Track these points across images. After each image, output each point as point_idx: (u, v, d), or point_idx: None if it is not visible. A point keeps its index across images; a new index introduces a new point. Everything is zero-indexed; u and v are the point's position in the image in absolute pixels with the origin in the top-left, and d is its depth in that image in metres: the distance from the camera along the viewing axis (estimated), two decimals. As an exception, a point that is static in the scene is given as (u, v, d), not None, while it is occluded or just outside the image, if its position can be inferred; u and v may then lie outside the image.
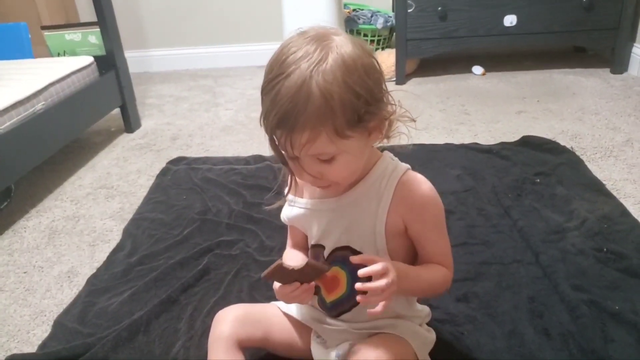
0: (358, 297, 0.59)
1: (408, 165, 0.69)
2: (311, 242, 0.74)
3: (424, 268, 0.69)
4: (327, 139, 0.57)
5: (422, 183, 0.68)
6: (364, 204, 0.67)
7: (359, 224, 0.68)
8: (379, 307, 0.59)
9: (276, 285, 0.67)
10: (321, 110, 0.55)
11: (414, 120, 0.66)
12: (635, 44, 2.09)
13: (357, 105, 0.57)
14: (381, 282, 0.58)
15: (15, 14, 2.32)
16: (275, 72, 0.57)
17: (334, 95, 0.55)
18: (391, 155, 0.70)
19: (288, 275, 0.64)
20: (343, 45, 0.58)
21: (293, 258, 0.75)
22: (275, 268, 0.60)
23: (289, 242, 0.80)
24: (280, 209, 0.76)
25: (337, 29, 0.62)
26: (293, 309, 0.79)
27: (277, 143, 0.59)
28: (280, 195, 0.74)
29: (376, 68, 0.61)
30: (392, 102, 0.63)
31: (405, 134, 0.66)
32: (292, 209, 0.73)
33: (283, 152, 0.60)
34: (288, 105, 0.55)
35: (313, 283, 0.67)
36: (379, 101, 0.60)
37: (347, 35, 0.61)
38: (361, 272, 0.59)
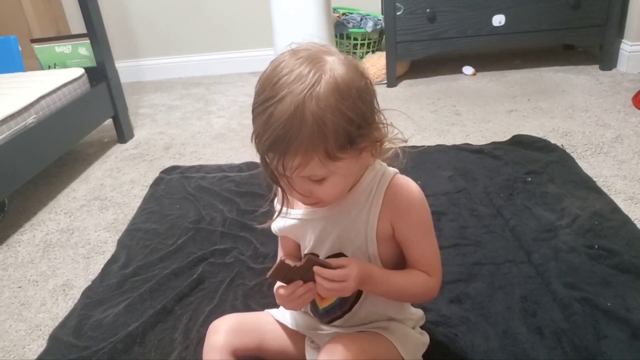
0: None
1: (396, 170, 0.70)
2: (304, 251, 0.74)
3: (402, 273, 0.69)
4: (318, 163, 0.57)
5: (409, 186, 0.68)
6: (355, 211, 0.67)
7: (351, 231, 0.68)
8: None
9: (277, 290, 0.67)
10: (314, 137, 0.55)
11: (405, 141, 0.66)
12: (623, 40, 2.11)
13: (350, 130, 0.57)
14: (332, 284, 0.62)
15: (5, 27, 2.33)
16: (268, 94, 0.56)
17: (327, 122, 0.55)
18: (379, 160, 0.70)
19: (290, 274, 0.64)
20: (336, 67, 0.57)
21: None
22: (278, 266, 0.62)
23: (280, 252, 0.80)
24: (269, 231, 0.75)
25: (329, 48, 0.61)
26: (286, 318, 0.79)
27: (268, 162, 0.60)
28: (273, 207, 0.74)
29: (369, 90, 0.60)
30: (384, 122, 0.63)
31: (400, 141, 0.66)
32: (284, 220, 0.73)
33: (274, 171, 0.60)
34: (281, 131, 0.55)
35: (312, 284, 0.66)
36: (371, 123, 0.60)
37: (340, 54, 0.60)
38: (321, 272, 0.62)
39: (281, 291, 0.66)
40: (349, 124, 0.57)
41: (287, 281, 0.65)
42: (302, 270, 0.63)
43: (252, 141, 0.59)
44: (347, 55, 0.61)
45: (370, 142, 0.61)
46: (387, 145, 0.65)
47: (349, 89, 0.57)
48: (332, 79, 0.56)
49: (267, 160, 0.59)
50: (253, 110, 0.59)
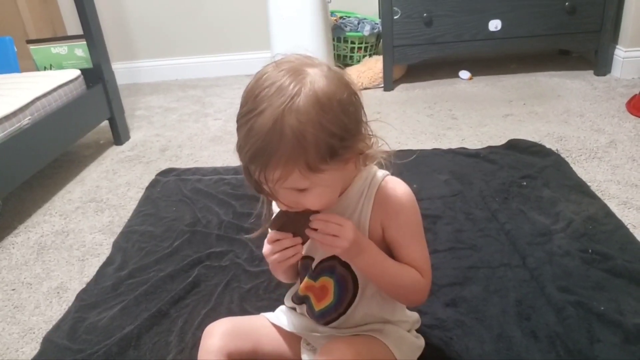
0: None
1: (387, 172, 0.70)
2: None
3: (396, 262, 0.68)
4: (300, 175, 0.57)
5: (399, 188, 0.68)
6: (347, 214, 0.68)
7: None
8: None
9: (266, 249, 0.67)
10: (294, 150, 0.55)
11: (391, 152, 0.65)
12: (617, 46, 2.12)
13: (331, 143, 0.57)
14: (331, 226, 0.61)
15: (1, 28, 2.32)
16: (249, 107, 0.57)
17: (307, 136, 0.55)
18: None
19: (288, 224, 0.64)
20: (317, 80, 0.56)
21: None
22: (279, 213, 0.64)
23: None
24: (261, 236, 0.74)
25: (313, 59, 0.60)
26: (282, 320, 0.80)
27: (251, 173, 0.60)
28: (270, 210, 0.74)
29: (353, 102, 0.59)
30: (370, 134, 0.63)
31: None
32: None
33: (257, 181, 0.60)
34: (260, 144, 0.55)
35: (300, 243, 0.66)
36: (355, 135, 0.60)
37: (324, 66, 0.59)
38: (319, 216, 0.62)
39: (270, 235, 0.65)
40: (330, 137, 0.56)
41: (283, 230, 0.65)
42: (299, 222, 0.63)
43: (236, 149, 0.60)
44: (332, 66, 0.60)
45: (354, 154, 0.61)
46: (373, 154, 0.64)
47: (330, 101, 0.56)
48: (312, 91, 0.55)
49: (250, 171, 0.59)
50: (237, 122, 0.59)
